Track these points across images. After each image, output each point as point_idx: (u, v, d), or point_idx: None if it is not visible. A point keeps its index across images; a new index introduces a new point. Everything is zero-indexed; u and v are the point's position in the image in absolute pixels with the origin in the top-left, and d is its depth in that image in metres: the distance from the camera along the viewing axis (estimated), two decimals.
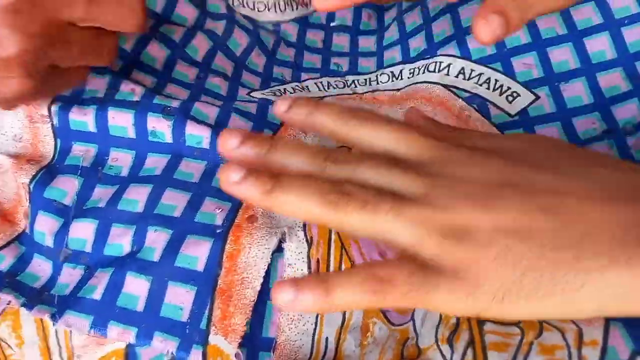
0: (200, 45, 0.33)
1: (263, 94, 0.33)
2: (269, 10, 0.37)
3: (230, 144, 0.21)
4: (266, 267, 0.23)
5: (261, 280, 0.23)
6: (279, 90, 0.33)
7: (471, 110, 0.31)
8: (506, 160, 0.20)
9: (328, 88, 0.34)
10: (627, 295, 0.17)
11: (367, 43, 0.37)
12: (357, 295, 0.18)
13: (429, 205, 0.19)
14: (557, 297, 0.17)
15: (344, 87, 0.34)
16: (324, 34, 0.37)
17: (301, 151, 0.21)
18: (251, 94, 0.33)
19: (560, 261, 0.17)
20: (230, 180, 0.19)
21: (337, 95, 0.33)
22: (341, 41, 0.37)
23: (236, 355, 0.22)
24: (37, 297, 0.24)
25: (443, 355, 0.21)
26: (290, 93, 0.33)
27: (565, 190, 0.19)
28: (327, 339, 0.24)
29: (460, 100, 0.31)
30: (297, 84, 0.35)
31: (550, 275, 0.17)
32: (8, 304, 0.24)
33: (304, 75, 0.35)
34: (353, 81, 0.35)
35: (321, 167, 0.20)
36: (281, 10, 0.37)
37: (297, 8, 0.38)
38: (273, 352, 0.23)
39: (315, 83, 0.34)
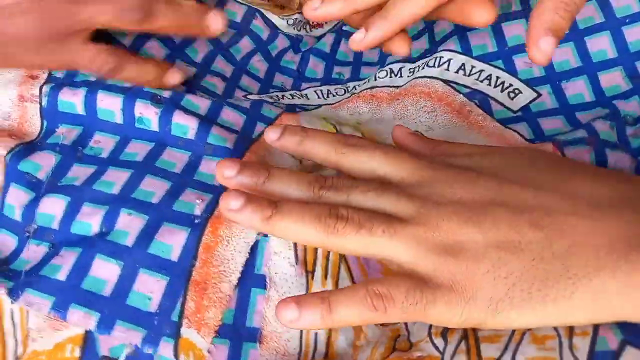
0: (200, 48, 0.32)
1: (260, 97, 0.31)
2: (291, 24, 0.36)
3: (227, 172, 0.20)
4: (244, 261, 0.21)
5: (238, 274, 0.20)
6: (277, 95, 0.31)
7: (472, 106, 0.28)
8: (493, 178, 0.20)
9: (327, 96, 0.32)
10: (617, 302, 0.17)
11: (371, 54, 0.35)
12: (358, 311, 0.18)
13: (421, 225, 0.19)
14: (549, 307, 0.17)
15: (345, 92, 0.32)
16: (333, 38, 0.35)
17: (297, 180, 0.20)
18: (248, 97, 0.30)
19: (549, 271, 0.17)
20: (230, 207, 0.19)
21: (335, 103, 0.31)
22: (347, 49, 0.35)
23: (209, 350, 0.19)
24: None
25: (436, 347, 0.19)
26: (289, 99, 0.31)
27: (551, 206, 0.18)
28: (316, 334, 0.21)
29: (461, 95, 0.28)
30: (296, 91, 0.32)
31: (540, 285, 0.17)
32: None
33: (304, 85, 0.33)
34: (354, 86, 0.32)
35: (317, 195, 0.20)
36: (298, 30, 0.36)
37: (310, 30, 0.37)
38: (259, 344, 0.20)
39: (315, 91, 0.32)
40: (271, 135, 0.22)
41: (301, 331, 0.20)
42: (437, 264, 0.18)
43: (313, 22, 0.37)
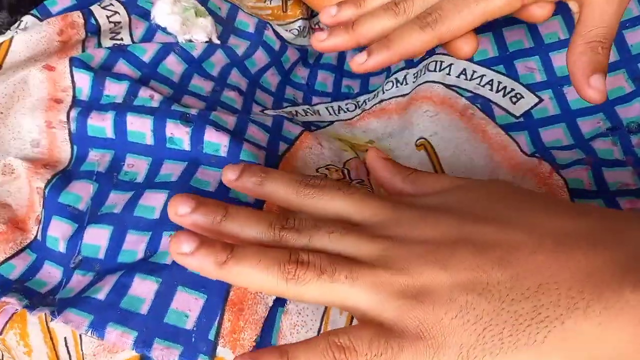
0: (217, 61, 0.30)
1: (277, 112, 0.29)
2: (297, 34, 0.34)
3: (181, 210, 0.18)
4: None
5: (274, 297, 0.20)
6: (291, 112, 0.30)
7: (475, 109, 0.27)
8: (458, 216, 0.18)
9: (339, 112, 0.31)
10: (591, 344, 0.15)
11: None
12: None
13: (384, 268, 0.17)
14: (523, 352, 0.15)
15: (355, 108, 0.31)
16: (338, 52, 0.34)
17: (257, 220, 0.18)
18: (264, 111, 0.29)
19: (519, 314, 0.15)
20: (182, 250, 0.17)
21: (346, 120, 0.30)
22: None
23: None
24: (41, 300, 0.20)
25: None
26: (302, 116, 0.30)
27: (517, 242, 0.17)
28: None
29: (463, 99, 0.27)
30: (308, 106, 0.31)
31: (511, 329, 0.15)
32: (15, 311, 0.20)
33: (315, 99, 0.32)
34: (364, 100, 0.31)
35: (277, 236, 0.18)
36: (303, 37, 0.35)
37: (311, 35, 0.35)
38: None
39: (326, 107, 0.31)
40: (229, 176, 0.20)
41: None
42: (401, 310, 0.16)
43: (314, 27, 0.36)
